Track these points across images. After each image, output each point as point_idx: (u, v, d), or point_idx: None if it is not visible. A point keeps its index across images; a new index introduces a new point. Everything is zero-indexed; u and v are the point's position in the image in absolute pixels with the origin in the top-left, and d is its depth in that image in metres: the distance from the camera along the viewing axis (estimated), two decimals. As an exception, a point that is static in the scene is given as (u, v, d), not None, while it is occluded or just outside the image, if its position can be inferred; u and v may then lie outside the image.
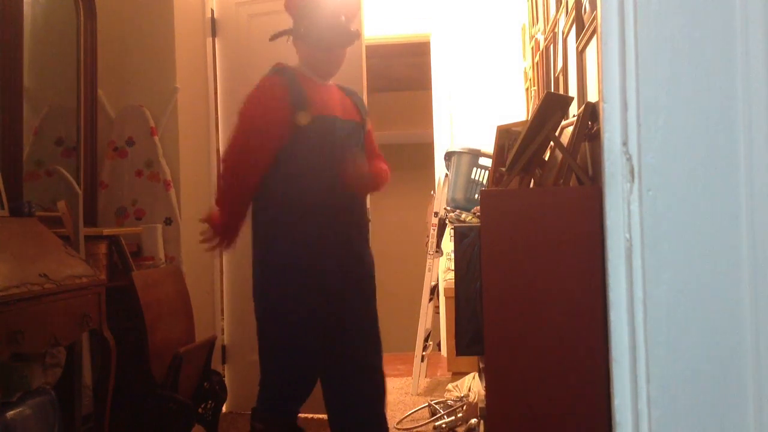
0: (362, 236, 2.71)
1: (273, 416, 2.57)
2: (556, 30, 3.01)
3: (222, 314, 4.11)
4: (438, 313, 5.11)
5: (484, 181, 4.06)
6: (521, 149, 2.10)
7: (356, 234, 2.65)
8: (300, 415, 2.67)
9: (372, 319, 2.69)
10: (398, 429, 3.72)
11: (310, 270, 2.50)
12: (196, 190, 3.97)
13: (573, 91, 2.53)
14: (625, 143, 1.39)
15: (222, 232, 2.61)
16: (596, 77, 1.85)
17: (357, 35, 2.64)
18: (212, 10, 4.11)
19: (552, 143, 2.16)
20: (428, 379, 4.79)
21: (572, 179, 2.05)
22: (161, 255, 3.59)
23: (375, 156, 2.79)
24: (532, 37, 4.02)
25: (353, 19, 2.67)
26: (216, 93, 4.13)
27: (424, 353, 4.59)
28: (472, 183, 4.14)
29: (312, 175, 2.52)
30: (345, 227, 2.59)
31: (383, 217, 7.18)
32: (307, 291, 2.50)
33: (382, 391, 2.71)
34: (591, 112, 1.98)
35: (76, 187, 3.00)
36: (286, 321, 2.53)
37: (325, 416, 2.74)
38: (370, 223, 2.91)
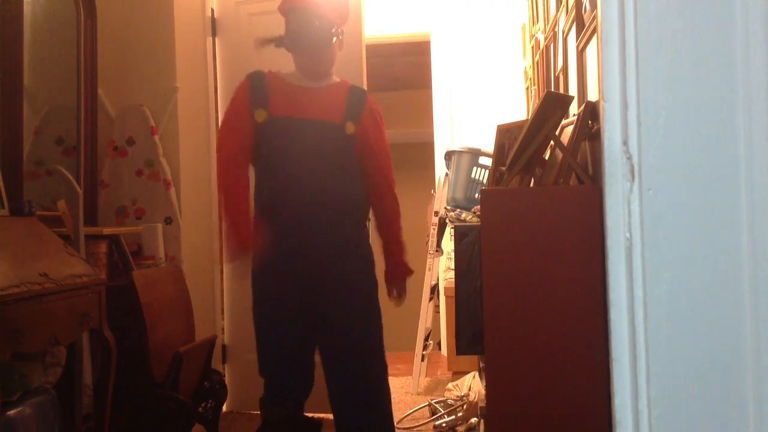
0: (340, 234, 2.64)
1: (273, 405, 2.64)
2: (556, 29, 3.01)
3: (222, 314, 4.11)
4: (438, 312, 5.10)
5: (485, 181, 4.06)
6: (521, 148, 2.10)
7: (330, 232, 2.61)
8: (308, 414, 2.70)
9: (360, 317, 2.65)
10: (398, 428, 3.72)
11: (275, 269, 2.59)
12: (196, 189, 3.97)
13: (573, 91, 2.53)
14: (625, 142, 1.40)
15: (242, 239, 2.54)
16: (596, 76, 1.84)
17: (330, 37, 2.63)
18: (212, 10, 4.11)
19: (552, 142, 2.16)
20: (428, 379, 4.79)
21: (572, 178, 2.05)
22: (161, 254, 3.59)
23: (373, 180, 2.75)
24: (532, 36, 4.02)
25: (334, 21, 2.64)
26: (216, 93, 4.13)
27: (424, 352, 4.59)
28: (472, 182, 4.15)
29: (276, 177, 2.60)
30: (312, 227, 2.58)
31: (383, 216, 7.16)
32: (278, 291, 2.61)
33: (380, 397, 2.68)
34: (591, 112, 1.98)
35: (77, 186, 3.00)
36: (265, 317, 2.68)
37: (328, 415, 2.74)
38: (370, 223, 2.90)
